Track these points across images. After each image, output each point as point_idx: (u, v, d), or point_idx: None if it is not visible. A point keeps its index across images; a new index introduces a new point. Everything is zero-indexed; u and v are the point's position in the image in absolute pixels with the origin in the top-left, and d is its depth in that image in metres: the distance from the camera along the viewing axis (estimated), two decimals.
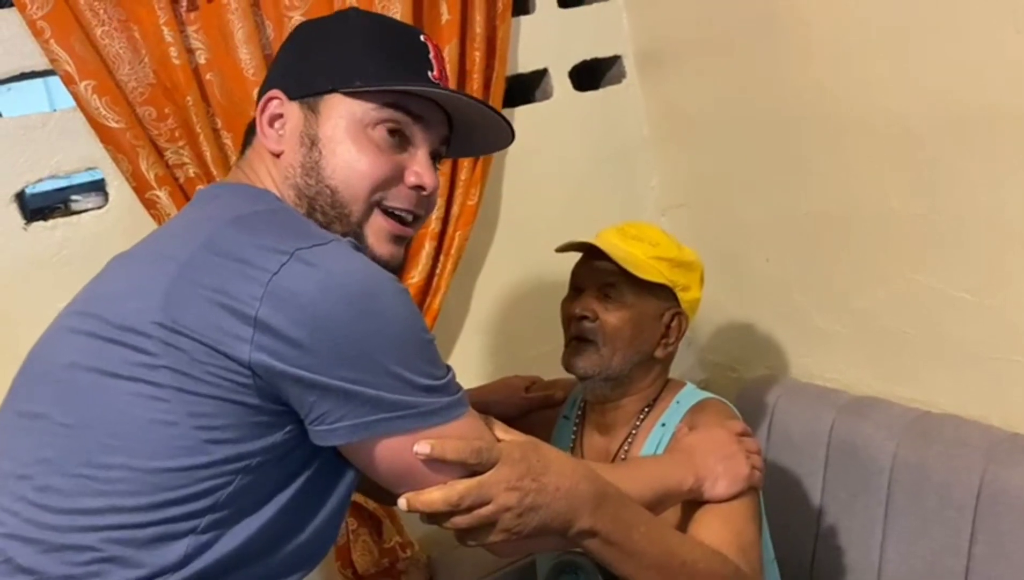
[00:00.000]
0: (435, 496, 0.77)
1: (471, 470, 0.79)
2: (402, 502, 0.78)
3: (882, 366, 1.51)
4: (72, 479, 0.72)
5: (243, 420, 0.72)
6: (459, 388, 0.80)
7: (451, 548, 1.65)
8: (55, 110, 1.39)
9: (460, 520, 0.79)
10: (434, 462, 0.76)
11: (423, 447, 0.75)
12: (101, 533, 0.70)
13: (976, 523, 1.21)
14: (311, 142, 0.85)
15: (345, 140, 0.85)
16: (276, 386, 0.72)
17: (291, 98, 0.87)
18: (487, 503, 0.79)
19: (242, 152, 0.94)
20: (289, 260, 0.71)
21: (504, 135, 0.95)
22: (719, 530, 1.02)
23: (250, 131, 0.93)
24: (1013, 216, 1.25)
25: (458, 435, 0.77)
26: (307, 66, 0.88)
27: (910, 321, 1.44)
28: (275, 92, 0.88)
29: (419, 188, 0.88)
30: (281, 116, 0.88)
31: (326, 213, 0.84)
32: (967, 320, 1.34)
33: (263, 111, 0.88)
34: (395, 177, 0.87)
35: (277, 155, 0.87)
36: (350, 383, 0.72)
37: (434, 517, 0.79)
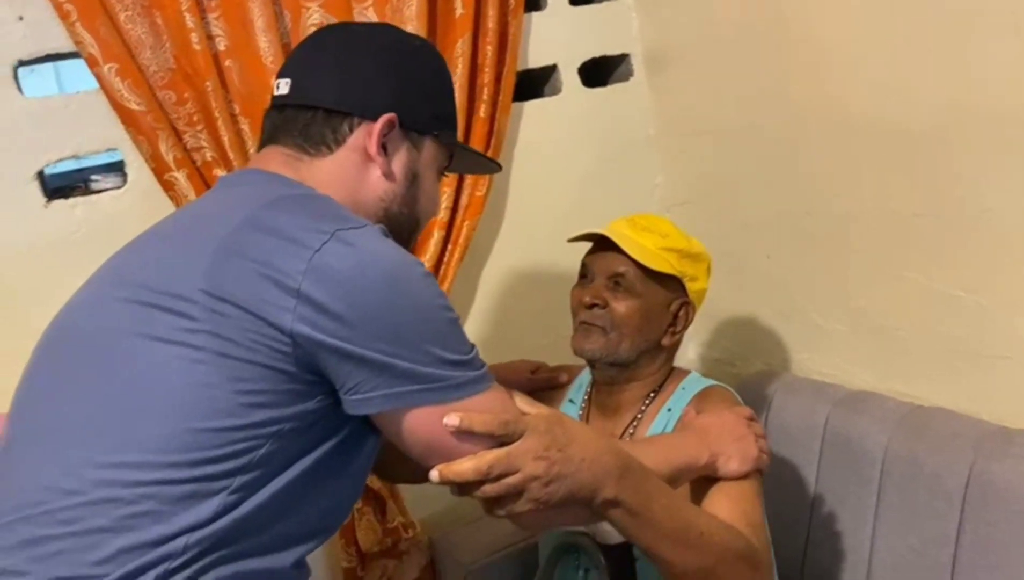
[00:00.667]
0: (466, 466, 0.80)
1: (499, 442, 0.82)
2: (434, 473, 0.81)
3: (877, 362, 1.54)
4: (111, 437, 0.75)
5: (279, 386, 0.76)
6: (484, 363, 0.83)
7: (451, 530, 1.70)
8: (62, 93, 1.43)
9: (489, 489, 0.81)
10: (463, 434, 0.79)
11: (452, 419, 0.79)
12: (137, 489, 0.73)
13: (964, 514, 1.24)
14: (413, 177, 0.95)
15: (432, 182, 0.99)
16: (314, 356, 0.75)
17: (402, 125, 0.93)
18: (515, 472, 0.81)
19: (268, 141, 0.94)
20: (330, 239, 0.76)
21: (492, 168, 1.20)
22: (729, 509, 1.05)
23: (278, 125, 0.94)
24: (1005, 217, 1.28)
25: (484, 407, 0.81)
26: (421, 99, 0.96)
27: (905, 319, 1.47)
28: (392, 117, 0.91)
29: None
30: (389, 138, 0.93)
31: (399, 236, 0.88)
32: (960, 318, 1.38)
33: (381, 132, 0.91)
34: None
35: (387, 176, 0.93)
36: (385, 355, 0.76)
37: (464, 487, 0.82)
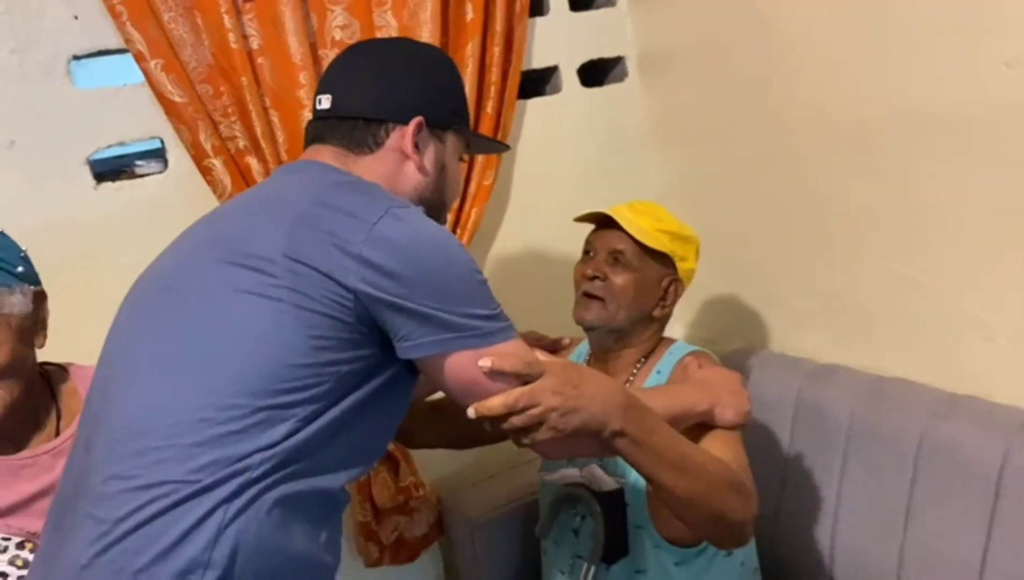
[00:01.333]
0: (496, 402, 0.93)
1: (523, 381, 0.94)
2: (471, 410, 0.94)
3: (844, 338, 1.65)
4: (205, 370, 0.89)
5: (341, 334, 0.89)
6: (508, 318, 0.97)
7: (459, 490, 1.80)
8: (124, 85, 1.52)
9: (516, 420, 0.94)
10: (494, 373, 0.92)
11: (486, 362, 0.92)
12: (225, 412, 0.86)
13: (917, 469, 1.37)
14: (442, 167, 1.10)
15: (455, 168, 1.13)
16: (373, 310, 0.89)
17: (428, 124, 1.07)
18: (537, 406, 0.94)
19: (315, 140, 1.07)
20: (385, 214, 0.90)
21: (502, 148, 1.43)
22: (721, 450, 1.17)
23: (323, 130, 1.07)
24: (957, 209, 1.40)
25: (511, 352, 0.94)
26: (441, 99, 1.10)
27: (870, 298, 1.58)
28: (421, 119, 1.06)
29: None
30: (419, 137, 1.06)
31: (431, 216, 1.01)
32: (918, 298, 1.49)
33: (414, 133, 1.05)
34: None
35: (420, 170, 1.07)
36: (431, 309, 0.90)
37: (495, 421, 0.95)
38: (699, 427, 1.22)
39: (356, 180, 1.01)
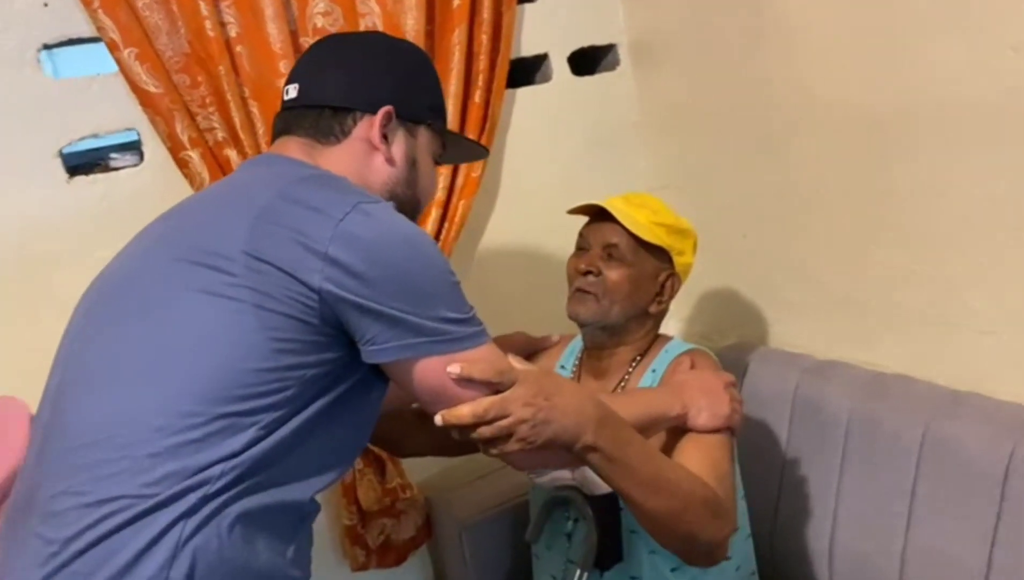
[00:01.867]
0: (465, 411, 0.90)
1: (494, 390, 0.91)
2: (438, 418, 0.91)
3: (843, 333, 1.62)
4: (162, 376, 0.84)
5: (305, 337, 0.85)
6: (481, 322, 0.93)
7: (446, 491, 1.77)
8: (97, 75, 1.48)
9: (484, 430, 0.91)
10: (464, 381, 0.89)
11: (455, 368, 0.88)
12: (183, 420, 0.82)
13: (919, 469, 1.33)
14: (412, 162, 1.06)
15: (429, 166, 1.09)
16: (338, 311, 0.85)
17: (398, 116, 1.03)
18: (507, 416, 0.91)
19: (282, 132, 1.04)
20: (352, 210, 0.86)
21: (481, 154, 1.29)
22: (699, 459, 1.13)
23: (290, 121, 1.04)
24: (959, 198, 1.36)
25: (482, 358, 0.90)
26: (413, 93, 1.07)
27: (868, 292, 1.55)
28: (390, 109, 1.02)
29: None
30: (388, 128, 1.03)
31: (403, 214, 0.97)
32: (918, 290, 1.46)
33: (382, 123, 1.02)
34: None
35: (389, 161, 1.03)
36: (399, 312, 0.86)
37: (463, 430, 0.92)
38: (679, 431, 1.19)
39: (324, 174, 0.97)
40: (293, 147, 1.02)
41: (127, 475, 0.81)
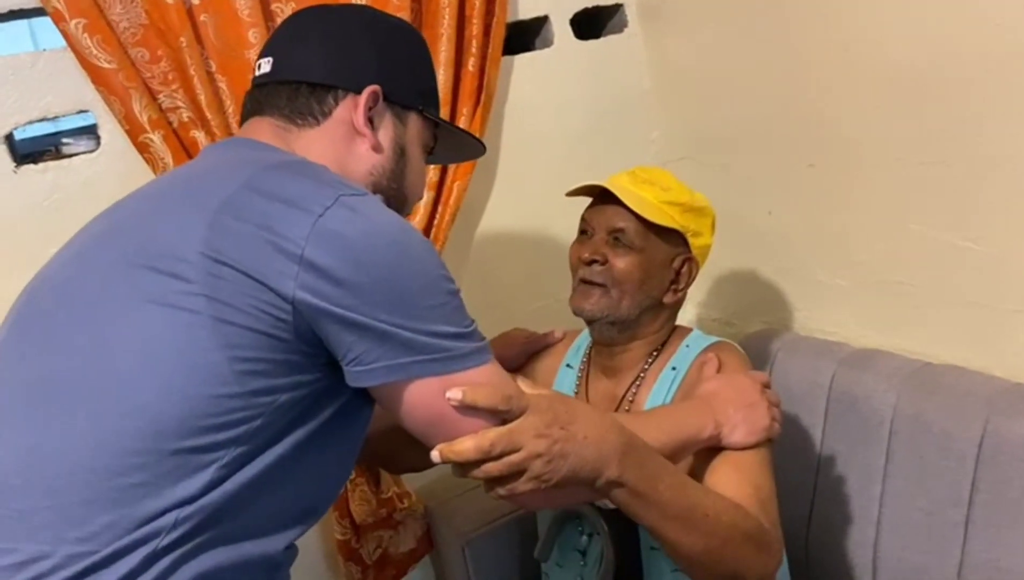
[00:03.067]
0: (467, 445, 0.79)
1: (500, 418, 0.81)
2: (435, 453, 0.80)
3: (883, 318, 1.53)
4: (99, 403, 0.73)
5: (276, 355, 0.74)
6: (483, 337, 0.82)
7: (448, 499, 1.68)
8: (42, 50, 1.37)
9: (491, 468, 0.81)
10: (465, 408, 0.78)
11: (455, 393, 0.77)
12: (126, 458, 0.71)
13: (977, 473, 1.23)
14: (401, 152, 0.96)
15: (418, 159, 1.00)
16: (316, 324, 0.74)
17: (386, 99, 0.94)
18: (517, 450, 0.81)
19: (252, 113, 0.94)
20: (333, 204, 0.75)
21: (477, 152, 1.16)
22: (739, 483, 1.03)
23: (261, 100, 0.94)
24: (1017, 165, 1.25)
25: (485, 380, 0.80)
26: (404, 73, 0.97)
27: (912, 272, 1.46)
28: (377, 88, 0.92)
29: None
30: (374, 111, 0.94)
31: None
32: (971, 270, 1.36)
33: (367, 104, 0.92)
34: None
35: (374, 148, 0.93)
36: (387, 325, 0.75)
37: (466, 467, 0.81)
38: (711, 450, 1.08)
39: (299, 160, 0.86)
40: (264, 129, 0.92)
41: (58, 527, 0.70)
